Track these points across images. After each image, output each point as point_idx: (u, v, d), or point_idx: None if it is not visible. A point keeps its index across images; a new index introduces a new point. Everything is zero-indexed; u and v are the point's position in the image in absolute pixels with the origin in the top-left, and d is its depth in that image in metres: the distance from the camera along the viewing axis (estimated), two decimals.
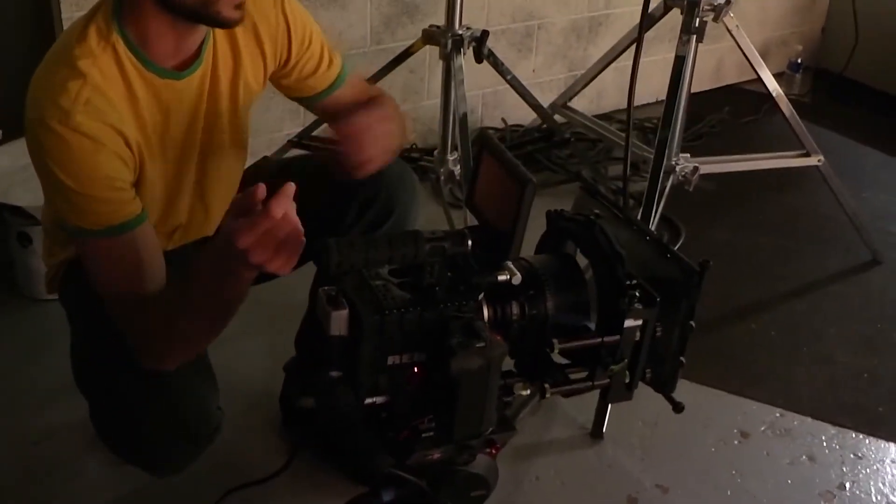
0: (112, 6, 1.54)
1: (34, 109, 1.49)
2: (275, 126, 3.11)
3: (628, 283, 1.26)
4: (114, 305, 1.58)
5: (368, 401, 1.23)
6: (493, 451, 1.39)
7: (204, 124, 1.70)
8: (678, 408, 1.36)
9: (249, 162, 2.02)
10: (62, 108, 1.46)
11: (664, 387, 1.35)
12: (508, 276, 1.24)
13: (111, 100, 1.52)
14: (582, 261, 1.35)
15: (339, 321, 1.19)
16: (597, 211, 1.36)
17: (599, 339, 1.27)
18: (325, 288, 1.22)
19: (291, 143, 2.91)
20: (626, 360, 1.29)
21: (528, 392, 1.32)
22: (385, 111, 1.82)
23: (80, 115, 1.47)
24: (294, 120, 3.12)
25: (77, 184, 1.49)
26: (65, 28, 2.54)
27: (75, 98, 1.47)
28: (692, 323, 1.29)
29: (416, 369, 1.22)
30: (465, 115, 2.73)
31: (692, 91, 2.72)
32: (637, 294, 1.25)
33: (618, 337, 1.26)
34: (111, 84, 1.52)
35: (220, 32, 1.65)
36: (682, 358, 1.31)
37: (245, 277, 1.40)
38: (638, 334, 1.27)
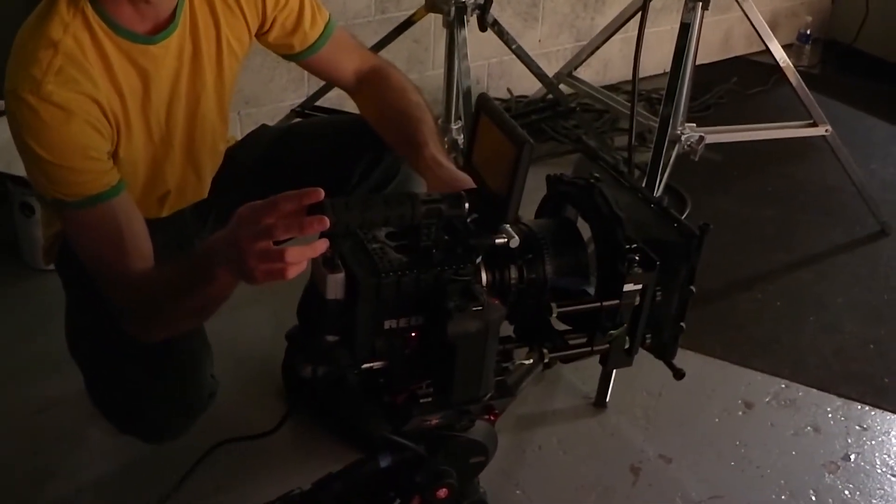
0: None
1: (9, 81, 1.48)
2: (278, 96, 3.10)
3: (628, 246, 1.25)
4: (98, 276, 1.57)
5: (366, 365, 1.22)
6: (492, 418, 1.39)
7: (188, 88, 1.68)
8: (678, 374, 1.35)
9: (249, 128, 2.01)
10: (33, 77, 1.45)
11: (664, 353, 1.35)
12: (506, 239, 1.23)
13: (84, 68, 1.50)
14: (586, 232, 1.34)
15: (335, 284, 1.18)
16: (596, 174, 1.34)
17: (598, 304, 1.26)
18: None
19: (295, 113, 2.91)
20: (625, 325, 1.28)
21: (528, 359, 1.32)
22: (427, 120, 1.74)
23: (50, 85, 1.46)
24: (298, 90, 3.10)
25: (51, 154, 1.48)
26: None
27: (47, 67, 1.46)
28: (692, 287, 1.28)
29: (413, 333, 1.22)
30: (469, 92, 2.70)
31: (700, 62, 2.70)
32: (637, 258, 1.24)
33: (617, 301, 1.25)
34: (84, 51, 1.51)
35: None
36: (682, 323, 1.30)
37: (226, 281, 1.37)
38: (637, 298, 1.26)
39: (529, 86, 3.46)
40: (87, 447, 2.01)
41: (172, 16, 1.60)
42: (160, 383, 1.63)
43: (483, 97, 1.27)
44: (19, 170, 2.38)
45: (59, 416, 2.08)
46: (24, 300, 2.45)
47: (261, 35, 1.78)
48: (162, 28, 1.59)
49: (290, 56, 1.85)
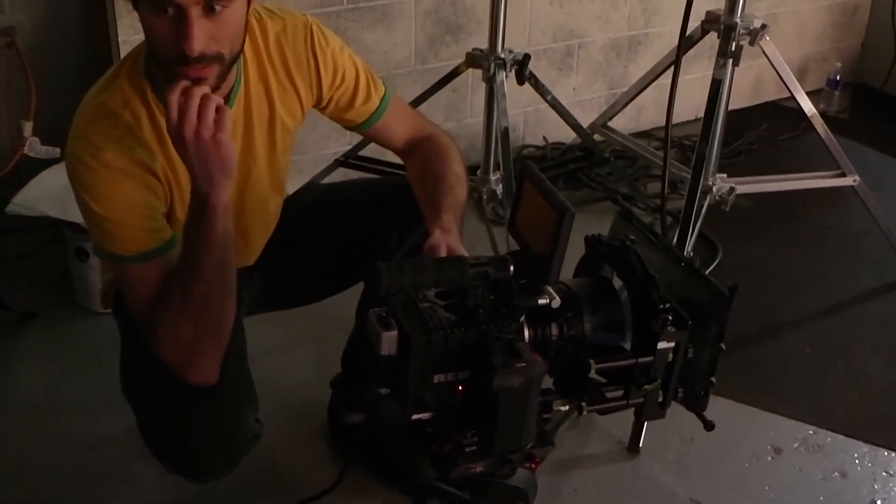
0: (144, 52, 1.63)
1: (71, 144, 1.60)
2: (321, 144, 3.18)
3: (662, 306, 1.32)
4: (146, 327, 1.65)
5: (415, 416, 1.30)
6: (533, 466, 1.46)
7: (239, 163, 1.72)
8: (709, 426, 1.42)
9: (297, 183, 2.08)
10: (94, 144, 1.57)
11: (696, 405, 1.41)
12: (548, 300, 1.31)
13: (140, 139, 1.61)
14: (619, 283, 1.42)
15: (389, 341, 1.26)
16: (632, 236, 1.42)
17: (634, 360, 1.34)
18: (376, 309, 1.29)
19: (338, 163, 2.98)
20: (659, 380, 1.36)
21: (567, 409, 1.39)
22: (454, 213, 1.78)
23: (110, 152, 1.57)
24: (340, 139, 3.18)
25: (109, 213, 1.58)
26: (121, 51, 2.66)
27: (107, 136, 1.57)
28: (722, 345, 1.35)
29: (459, 387, 1.29)
30: (507, 133, 2.77)
31: (731, 108, 2.74)
32: (670, 317, 1.32)
33: (651, 358, 1.33)
34: (140, 125, 1.62)
35: (252, 76, 1.73)
36: (712, 378, 1.38)
37: (210, 197, 1.51)
38: (670, 355, 1.34)
39: (565, 133, 3.51)
40: (137, 484, 2.07)
41: (227, 97, 1.68)
42: (206, 424, 1.69)
43: (526, 165, 1.36)
44: (74, 216, 2.48)
45: (109, 453, 2.15)
46: (75, 340, 2.54)
47: (317, 109, 1.87)
48: None
49: (348, 128, 1.94)
